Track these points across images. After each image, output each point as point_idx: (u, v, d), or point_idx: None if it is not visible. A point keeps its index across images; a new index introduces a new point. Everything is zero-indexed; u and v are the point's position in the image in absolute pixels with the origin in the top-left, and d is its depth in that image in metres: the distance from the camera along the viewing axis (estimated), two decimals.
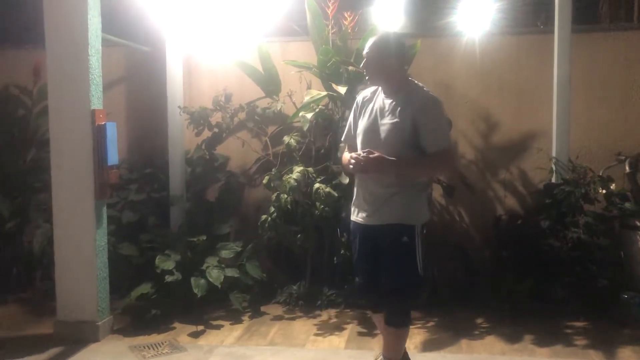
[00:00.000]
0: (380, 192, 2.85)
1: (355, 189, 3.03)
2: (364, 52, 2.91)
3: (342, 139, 3.15)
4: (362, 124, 2.95)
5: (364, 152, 2.80)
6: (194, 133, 4.98)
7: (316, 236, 4.69)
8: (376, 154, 2.76)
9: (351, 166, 2.84)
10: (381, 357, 3.07)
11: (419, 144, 2.81)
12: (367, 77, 2.96)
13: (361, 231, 2.96)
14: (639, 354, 3.59)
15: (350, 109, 4.45)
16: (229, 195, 5.14)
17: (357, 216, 2.98)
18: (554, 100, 4.67)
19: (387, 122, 2.83)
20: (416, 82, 2.95)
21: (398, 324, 2.94)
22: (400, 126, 2.79)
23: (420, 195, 2.92)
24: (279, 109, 4.85)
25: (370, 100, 2.98)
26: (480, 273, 4.60)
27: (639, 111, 4.82)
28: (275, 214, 4.43)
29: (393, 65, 2.85)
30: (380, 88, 2.97)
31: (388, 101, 2.88)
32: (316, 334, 4.04)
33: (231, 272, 4.34)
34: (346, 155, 3.03)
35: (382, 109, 2.88)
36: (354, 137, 3.02)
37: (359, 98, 3.06)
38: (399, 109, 2.81)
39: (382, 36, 2.92)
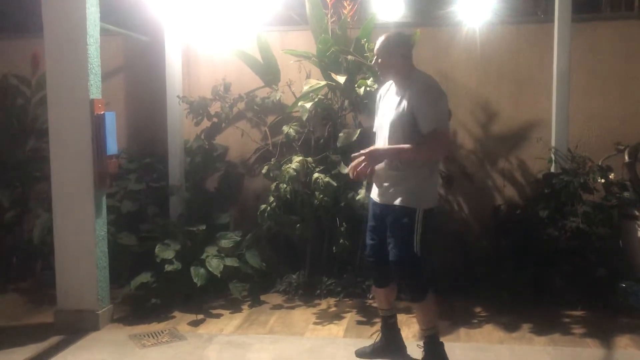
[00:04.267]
0: (389, 174, 3.09)
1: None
2: (374, 51, 3.14)
3: (373, 129, 3.33)
4: (377, 117, 3.23)
5: (362, 151, 3.05)
6: (193, 123, 4.97)
7: (315, 226, 4.70)
8: (369, 149, 3.04)
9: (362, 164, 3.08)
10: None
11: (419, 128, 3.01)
12: (379, 74, 3.26)
13: (373, 208, 3.24)
14: (637, 342, 3.62)
15: (349, 98, 4.52)
16: (228, 185, 5.15)
17: (372, 194, 3.25)
18: (553, 90, 4.66)
19: (394, 113, 3.05)
20: (421, 72, 3.14)
21: (413, 298, 3.17)
22: (402, 114, 3.01)
23: (426, 180, 3.08)
24: (278, 98, 4.85)
25: (384, 94, 3.24)
26: (479, 262, 4.61)
27: (638, 101, 4.81)
28: (274, 204, 4.44)
29: (399, 62, 3.08)
30: (392, 82, 3.21)
31: (396, 95, 3.11)
32: (315, 323, 4.06)
33: (231, 262, 4.35)
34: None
35: (391, 102, 3.12)
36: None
37: (381, 92, 3.31)
38: (401, 99, 3.05)
39: (388, 36, 3.10)
